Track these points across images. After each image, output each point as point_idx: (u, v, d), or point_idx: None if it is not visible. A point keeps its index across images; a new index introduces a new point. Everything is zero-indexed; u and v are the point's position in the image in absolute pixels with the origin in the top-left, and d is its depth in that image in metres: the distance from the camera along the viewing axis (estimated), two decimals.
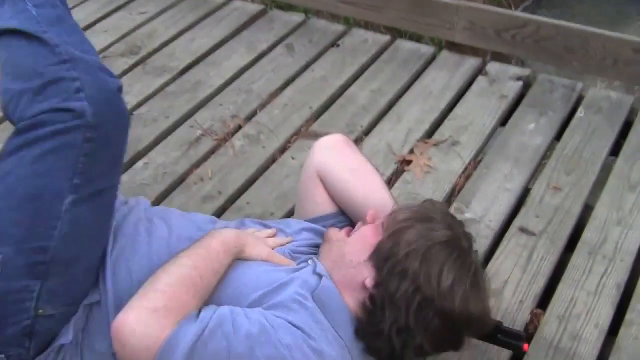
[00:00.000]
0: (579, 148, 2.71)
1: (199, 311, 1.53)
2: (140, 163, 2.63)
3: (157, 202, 2.48)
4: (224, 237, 1.71)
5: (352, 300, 1.69)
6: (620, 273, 2.24)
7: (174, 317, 1.48)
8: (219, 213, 2.45)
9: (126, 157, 2.56)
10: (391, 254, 1.65)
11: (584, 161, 2.65)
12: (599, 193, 2.53)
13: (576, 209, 2.46)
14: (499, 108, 2.90)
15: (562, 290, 2.19)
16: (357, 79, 3.10)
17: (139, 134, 2.74)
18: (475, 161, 2.68)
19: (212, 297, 1.61)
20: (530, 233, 2.36)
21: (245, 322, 1.52)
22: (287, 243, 1.85)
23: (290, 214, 2.44)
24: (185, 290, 1.53)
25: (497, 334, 1.79)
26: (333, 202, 1.98)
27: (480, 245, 2.32)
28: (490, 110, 2.89)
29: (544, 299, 2.18)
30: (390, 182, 2.55)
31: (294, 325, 1.56)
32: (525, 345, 1.80)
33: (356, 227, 1.81)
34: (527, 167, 2.64)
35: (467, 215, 2.42)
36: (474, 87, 3.03)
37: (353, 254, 1.71)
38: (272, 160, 2.68)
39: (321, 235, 1.89)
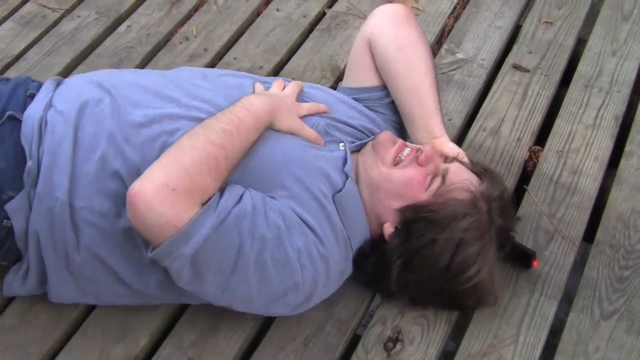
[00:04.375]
0: None
1: (222, 193, 1.36)
2: (123, 26, 2.38)
3: (143, 64, 2.26)
4: (258, 111, 1.48)
5: (370, 219, 1.54)
6: (617, 104, 2.05)
7: (193, 200, 1.32)
8: None
9: (108, 22, 2.37)
10: (424, 226, 1.46)
11: None
12: (592, 25, 2.31)
13: (569, 43, 2.24)
14: None
15: (560, 125, 2.01)
16: None
17: None
18: (464, 1, 2.43)
19: (235, 167, 1.43)
20: (524, 69, 2.15)
21: (264, 224, 1.37)
22: (322, 112, 1.64)
23: (279, 66, 2.24)
24: (207, 172, 1.34)
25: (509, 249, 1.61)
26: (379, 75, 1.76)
27: (475, 84, 2.14)
28: None
29: (542, 135, 2.01)
30: None
31: (309, 227, 1.43)
32: (535, 262, 1.63)
33: (407, 157, 1.53)
34: (517, 3, 2.40)
35: (459, 55, 2.21)
36: None
37: (389, 194, 1.51)
38: (257, 13, 2.44)
39: (361, 113, 1.70)
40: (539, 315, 1.60)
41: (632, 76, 2.13)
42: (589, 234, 1.78)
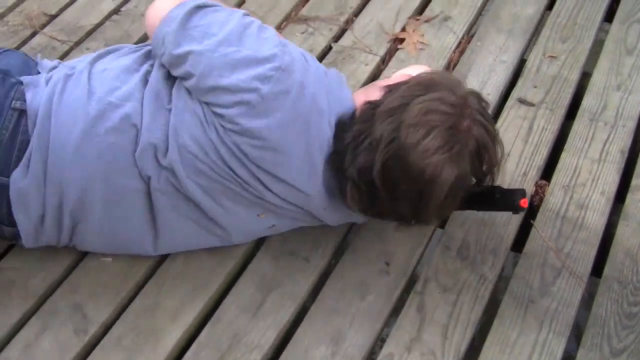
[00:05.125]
0: (572, 15, 2.45)
1: None
2: None
3: None
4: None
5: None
6: (623, 138, 2.03)
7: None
8: None
9: None
10: (401, 89, 1.49)
11: (578, 28, 2.40)
12: (597, 59, 2.30)
13: (574, 77, 2.23)
14: None
15: (566, 159, 1.99)
16: None
17: (128, 30, 2.47)
18: (469, 35, 2.43)
19: None
20: (529, 104, 2.14)
21: (256, 21, 1.55)
22: None
23: None
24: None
25: (496, 194, 1.59)
26: None
27: None
28: None
29: (548, 170, 1.99)
30: (384, 62, 2.30)
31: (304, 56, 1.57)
32: (523, 201, 1.55)
33: None
34: (522, 38, 2.39)
35: None
36: None
37: (379, 84, 1.59)
38: None
39: None
40: (547, 353, 1.57)
41: (637, 110, 2.11)
42: (597, 270, 1.76)
